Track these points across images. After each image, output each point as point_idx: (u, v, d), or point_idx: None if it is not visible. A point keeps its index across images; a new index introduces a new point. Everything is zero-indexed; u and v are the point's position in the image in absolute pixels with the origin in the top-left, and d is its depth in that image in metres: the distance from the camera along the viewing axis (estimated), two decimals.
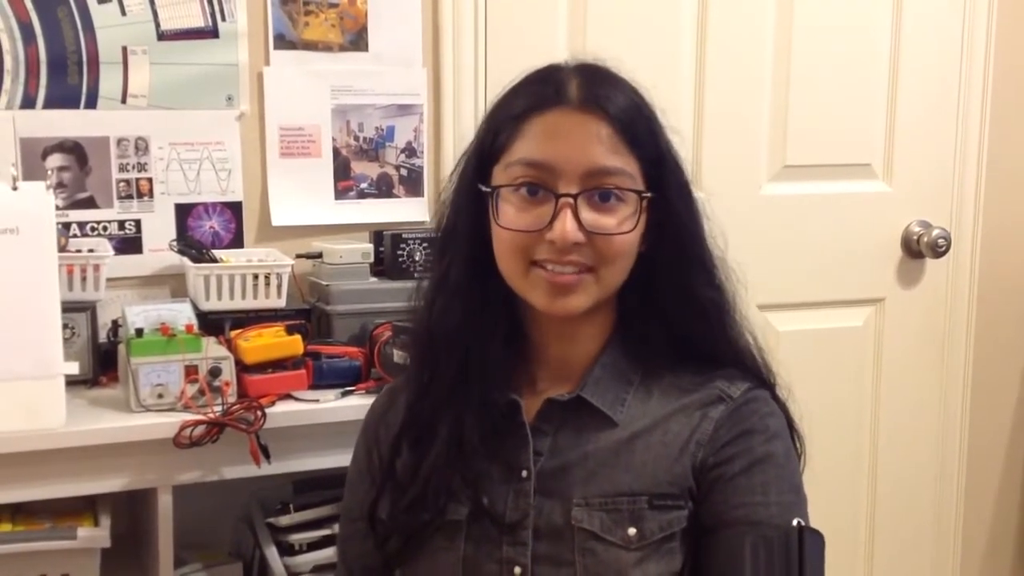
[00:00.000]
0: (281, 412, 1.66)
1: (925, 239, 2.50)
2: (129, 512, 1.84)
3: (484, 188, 1.16)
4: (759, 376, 1.23)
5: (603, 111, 1.11)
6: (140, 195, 1.99)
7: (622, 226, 1.12)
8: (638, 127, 1.14)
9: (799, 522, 1.12)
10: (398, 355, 1.69)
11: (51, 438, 1.54)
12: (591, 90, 1.13)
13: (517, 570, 1.13)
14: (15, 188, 1.60)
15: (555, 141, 1.11)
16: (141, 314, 1.71)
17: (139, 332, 1.66)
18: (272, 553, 1.77)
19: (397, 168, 2.15)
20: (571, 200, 1.10)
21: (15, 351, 1.54)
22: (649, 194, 1.14)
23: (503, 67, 2.08)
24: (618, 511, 1.13)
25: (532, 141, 1.13)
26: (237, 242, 2.07)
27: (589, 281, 1.13)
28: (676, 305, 1.19)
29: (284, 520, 1.80)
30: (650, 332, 1.19)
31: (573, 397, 1.18)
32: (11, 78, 1.89)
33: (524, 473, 1.16)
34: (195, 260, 1.90)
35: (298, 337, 1.73)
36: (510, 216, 1.13)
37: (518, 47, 2.15)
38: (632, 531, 1.12)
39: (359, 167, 2.13)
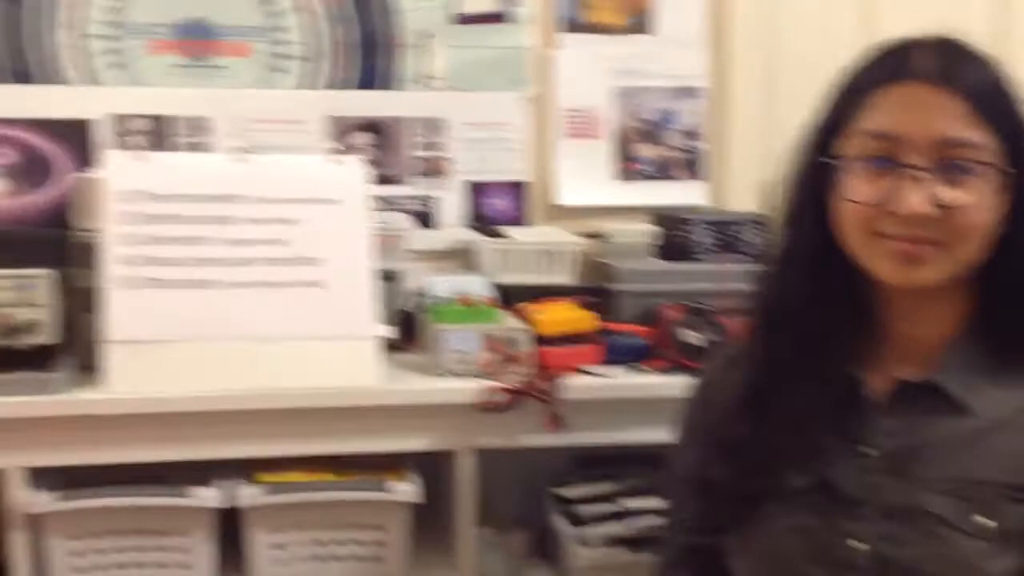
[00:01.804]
0: (574, 385, 1.70)
1: None
2: (423, 473, 1.93)
3: (828, 160, 1.16)
4: None
5: (960, 84, 1.09)
6: (436, 173, 2.09)
7: (975, 201, 1.09)
8: (998, 102, 1.10)
9: None
10: (693, 336, 1.71)
11: (368, 395, 1.63)
12: (946, 63, 1.10)
13: (862, 546, 1.12)
14: (335, 162, 1.71)
15: (906, 113, 1.09)
16: (443, 285, 1.80)
17: (442, 301, 1.74)
18: (562, 523, 1.82)
19: (678, 151, 2.17)
20: (920, 172, 1.08)
21: (337, 312, 1.65)
22: (1011, 170, 1.11)
23: (790, 47, 2.08)
24: (971, 500, 1.10)
25: (881, 113, 1.11)
26: (522, 221, 2.13)
27: (938, 255, 1.11)
28: None
29: (571, 492, 1.85)
30: (1010, 318, 1.15)
31: (926, 380, 1.15)
32: (325, 60, 2.01)
33: (870, 450, 1.15)
34: (486, 236, 1.98)
35: (592, 313, 1.77)
36: (856, 189, 1.12)
37: (806, 26, 2.13)
38: (987, 521, 1.09)
39: (640, 149, 2.16)
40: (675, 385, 1.70)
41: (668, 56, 2.13)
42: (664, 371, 1.75)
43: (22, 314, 1.59)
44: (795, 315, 1.18)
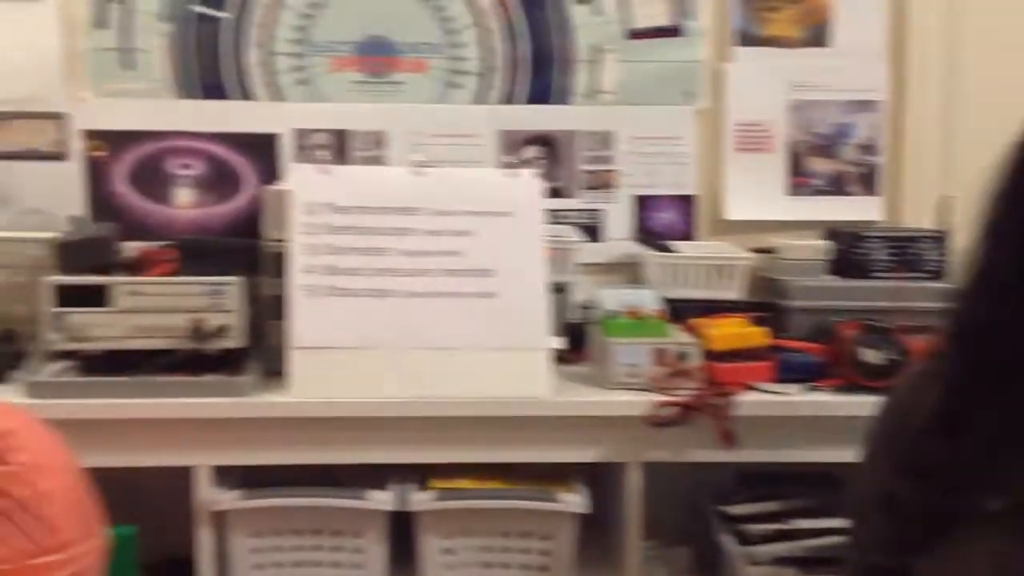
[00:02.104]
0: (746, 402, 1.69)
1: None
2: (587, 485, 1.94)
3: None
4: None
5: None
6: (604, 186, 2.10)
7: None
8: None
9: None
10: (872, 355, 1.67)
11: (539, 406, 1.66)
12: None
13: None
14: (509, 175, 1.74)
15: None
16: (612, 297, 1.80)
17: (612, 314, 1.75)
18: (729, 541, 1.80)
19: (853, 165, 2.12)
20: None
21: (511, 323, 1.68)
22: None
23: (971, 60, 2.01)
24: None
25: None
26: (690, 235, 2.12)
27: None
28: None
29: (738, 510, 1.83)
30: None
31: None
32: (497, 75, 2.05)
33: None
34: (654, 250, 1.98)
35: (764, 329, 1.75)
36: None
37: (987, 39, 2.06)
38: None
39: (813, 163, 2.12)
40: (851, 404, 1.68)
41: (846, 69, 2.10)
42: (840, 390, 1.72)
43: (213, 319, 1.67)
44: (992, 335, 1.15)
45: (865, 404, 1.65)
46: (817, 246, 1.97)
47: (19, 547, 0.89)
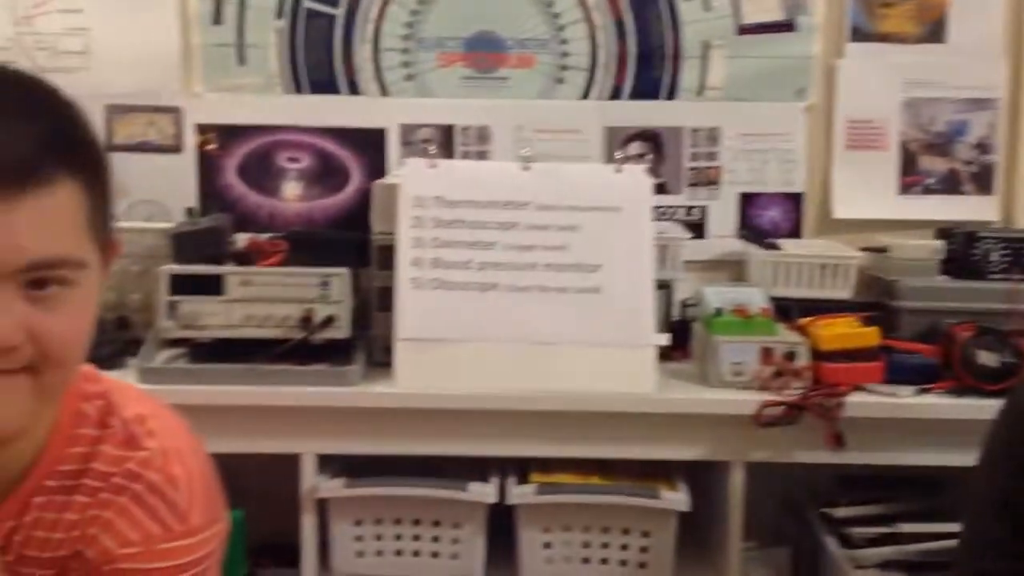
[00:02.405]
0: (855, 403, 1.65)
1: None
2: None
3: None
4: None
5: None
6: (708, 183, 2.08)
7: None
8: None
9: None
10: (986, 357, 1.63)
11: (644, 402, 1.65)
12: None
13: None
14: (618, 171, 1.73)
15: None
16: (718, 295, 1.78)
17: (718, 312, 1.73)
18: (831, 543, 1.77)
19: (967, 164, 2.07)
20: None
21: (617, 319, 1.67)
22: None
23: None
24: None
25: None
26: (795, 232, 2.09)
27: None
28: None
29: (841, 512, 1.80)
30: None
31: None
32: (603, 71, 2.05)
33: None
34: (760, 248, 1.95)
35: (875, 329, 1.72)
36: None
37: None
38: None
39: (926, 162, 2.08)
40: (963, 407, 1.65)
41: (962, 66, 2.05)
42: (951, 392, 1.68)
43: (322, 310, 1.69)
44: None
45: (978, 407, 1.63)
46: (929, 246, 1.93)
47: (150, 531, 0.91)
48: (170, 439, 0.94)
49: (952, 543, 1.68)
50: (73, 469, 0.91)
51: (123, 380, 1.03)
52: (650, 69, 2.05)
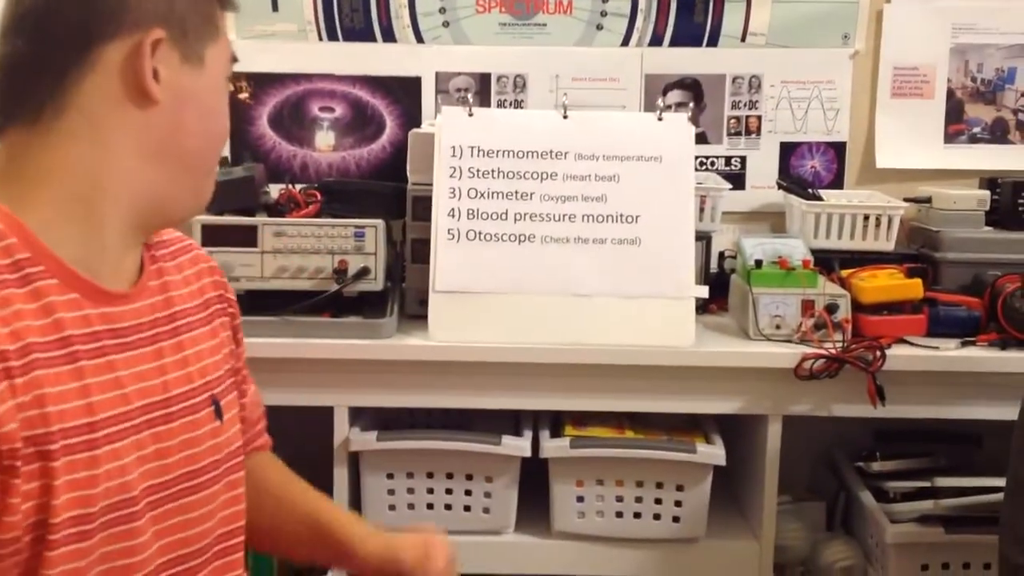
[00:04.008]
0: (897, 355, 1.62)
1: None
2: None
3: None
4: None
5: None
6: (748, 132, 2.04)
7: None
8: None
9: None
10: None
11: (682, 355, 1.63)
12: None
13: None
14: (660, 119, 1.70)
15: None
16: (758, 247, 1.75)
17: (758, 264, 1.70)
18: (867, 497, 1.75)
19: (1015, 112, 2.02)
20: None
21: (656, 271, 1.65)
22: None
23: None
24: None
25: None
26: (837, 183, 2.05)
27: None
28: None
29: (875, 466, 1.78)
30: None
31: None
32: (643, 17, 2.00)
33: None
34: (802, 198, 1.91)
35: (919, 281, 1.69)
36: None
37: None
38: None
39: (973, 110, 2.02)
40: (1008, 360, 1.62)
41: (1011, 10, 1.98)
42: (996, 345, 1.64)
43: (355, 262, 1.68)
44: None
45: (1022, 360, 1.60)
46: (974, 196, 1.88)
47: None
48: None
49: (989, 498, 1.68)
50: None
51: None
52: (691, 15, 2.00)
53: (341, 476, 1.69)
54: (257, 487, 1.19)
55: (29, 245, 0.88)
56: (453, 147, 1.69)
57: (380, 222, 1.70)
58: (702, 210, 1.84)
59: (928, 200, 1.92)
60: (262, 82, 2.05)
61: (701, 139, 2.02)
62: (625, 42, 2.02)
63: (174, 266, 1.07)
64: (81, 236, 0.92)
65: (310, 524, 1.22)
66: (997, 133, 2.02)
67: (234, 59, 1.04)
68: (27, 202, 0.90)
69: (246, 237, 1.69)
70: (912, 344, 1.66)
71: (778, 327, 1.66)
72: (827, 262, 1.81)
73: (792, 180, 2.00)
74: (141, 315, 0.98)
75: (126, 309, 0.96)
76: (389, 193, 1.80)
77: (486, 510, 1.70)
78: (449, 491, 1.70)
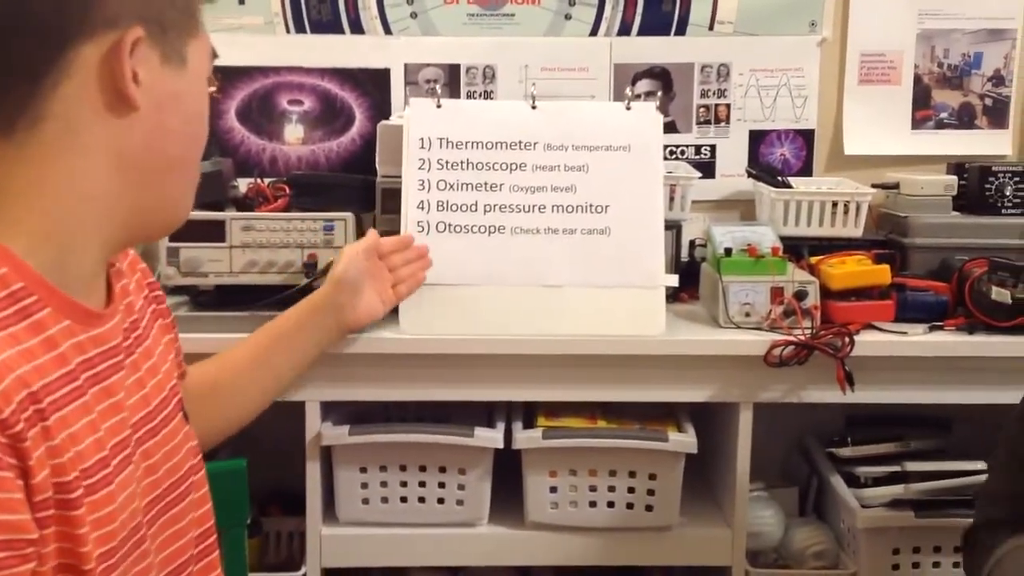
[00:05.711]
0: (865, 341, 1.63)
1: None
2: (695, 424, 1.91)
3: None
4: None
5: None
6: (717, 121, 2.04)
7: None
8: None
9: None
10: (996, 292, 1.60)
11: (653, 344, 1.63)
12: None
13: None
14: (628, 108, 1.70)
15: None
16: (727, 235, 1.75)
17: (727, 252, 1.70)
18: (838, 482, 1.77)
19: (981, 98, 2.03)
20: None
21: (626, 261, 1.65)
22: None
23: None
24: None
25: None
26: (806, 170, 2.06)
27: None
28: None
29: (846, 452, 1.80)
30: None
31: None
32: (611, 6, 2.00)
33: None
34: (771, 186, 1.92)
35: (886, 267, 1.69)
36: None
37: None
38: None
39: (940, 96, 2.04)
40: (976, 344, 1.63)
41: None
42: (964, 330, 1.65)
43: (325, 255, 1.67)
44: None
45: (990, 344, 1.61)
46: (942, 181, 1.89)
47: None
48: None
49: (958, 482, 1.69)
50: None
51: None
52: (660, 3, 2.00)
53: (314, 471, 1.69)
54: (211, 380, 1.35)
55: (20, 273, 0.82)
56: (422, 139, 1.69)
57: (350, 215, 1.69)
58: (672, 199, 1.84)
59: (896, 186, 1.93)
60: (229, 75, 2.03)
61: (670, 128, 2.03)
62: (594, 32, 2.02)
63: (127, 270, 1.05)
64: (64, 256, 0.86)
65: (267, 345, 1.42)
66: (964, 118, 2.04)
67: (214, 55, 0.99)
68: (8, 223, 0.84)
69: (214, 232, 1.68)
70: (880, 330, 1.67)
71: (748, 315, 1.66)
72: (796, 249, 1.82)
73: (761, 168, 2.01)
74: (117, 331, 0.94)
75: (108, 327, 0.92)
76: (358, 186, 1.80)
77: (460, 502, 1.70)
78: (422, 484, 1.70)
